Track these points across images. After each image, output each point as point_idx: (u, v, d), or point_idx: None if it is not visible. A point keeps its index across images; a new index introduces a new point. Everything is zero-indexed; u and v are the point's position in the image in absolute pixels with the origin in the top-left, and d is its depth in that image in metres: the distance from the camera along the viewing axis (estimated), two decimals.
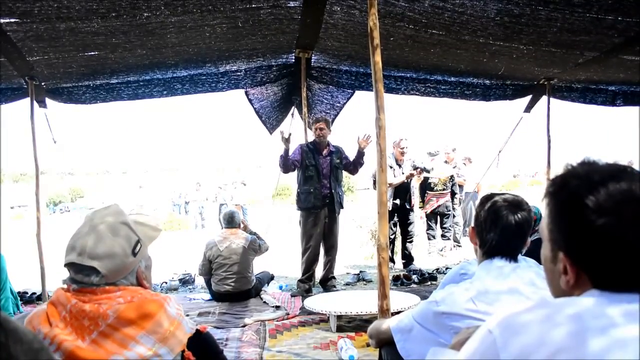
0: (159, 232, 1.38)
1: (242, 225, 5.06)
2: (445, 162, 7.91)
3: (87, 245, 1.21)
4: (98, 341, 1.16)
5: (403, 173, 6.08)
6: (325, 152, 4.99)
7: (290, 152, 4.90)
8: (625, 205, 0.73)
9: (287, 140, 4.78)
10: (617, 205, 0.74)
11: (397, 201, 6.04)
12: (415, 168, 6.20)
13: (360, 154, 4.97)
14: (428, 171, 6.69)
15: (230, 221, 5.00)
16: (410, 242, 6.27)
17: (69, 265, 1.23)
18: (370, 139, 4.83)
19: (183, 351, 1.22)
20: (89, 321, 1.17)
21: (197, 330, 1.29)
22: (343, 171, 5.16)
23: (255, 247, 4.85)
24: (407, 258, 6.21)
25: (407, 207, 6.18)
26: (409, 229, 6.23)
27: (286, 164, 4.84)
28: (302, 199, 4.95)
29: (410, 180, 6.14)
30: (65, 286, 1.25)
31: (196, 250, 5.81)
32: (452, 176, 7.37)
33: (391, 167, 6.00)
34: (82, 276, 1.22)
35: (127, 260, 1.24)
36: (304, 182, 4.93)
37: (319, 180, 4.90)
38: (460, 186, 8.34)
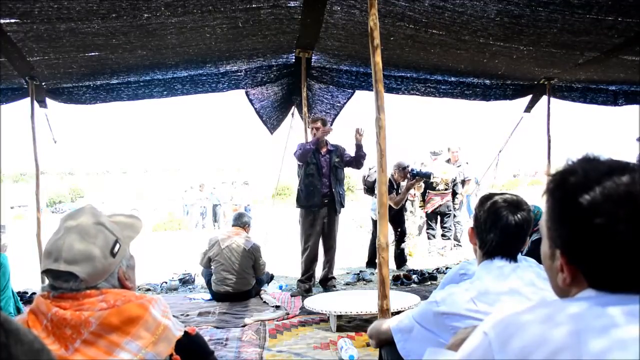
0: (139, 230, 1.32)
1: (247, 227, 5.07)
2: (448, 160, 7.88)
3: (62, 250, 1.16)
4: (82, 350, 1.12)
5: (399, 192, 6.00)
6: (324, 150, 4.98)
7: (295, 149, 4.96)
8: (621, 205, 0.72)
9: (324, 133, 4.84)
10: (613, 205, 0.72)
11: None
12: (414, 176, 5.92)
13: (359, 147, 4.94)
14: (428, 176, 6.53)
15: (237, 220, 5.05)
16: (403, 241, 6.27)
17: (47, 272, 1.18)
18: (363, 130, 4.85)
19: (171, 355, 1.18)
20: (71, 329, 1.13)
21: (186, 332, 1.24)
22: (344, 170, 5.14)
23: (254, 256, 4.79)
24: (399, 259, 6.20)
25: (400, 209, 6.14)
26: (399, 228, 6.20)
27: (307, 154, 4.86)
28: (303, 196, 4.94)
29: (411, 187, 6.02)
30: (44, 293, 1.19)
31: (196, 250, 5.81)
32: (454, 177, 7.35)
33: (391, 190, 5.82)
34: (60, 282, 1.17)
35: (106, 262, 1.19)
36: (305, 180, 4.93)
37: (319, 178, 4.90)
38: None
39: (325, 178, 4.93)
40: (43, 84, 4.97)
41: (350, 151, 5.04)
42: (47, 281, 1.22)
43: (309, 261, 4.98)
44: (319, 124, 4.93)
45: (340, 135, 7.55)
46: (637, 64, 4.82)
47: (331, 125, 6.13)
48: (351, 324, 3.86)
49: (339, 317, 3.79)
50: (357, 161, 5.03)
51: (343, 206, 5.07)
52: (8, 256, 3.96)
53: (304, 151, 4.86)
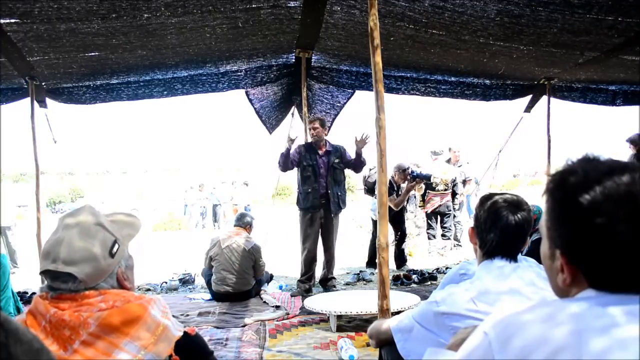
0: (138, 229, 1.32)
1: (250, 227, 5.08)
2: (449, 160, 7.87)
3: (61, 251, 1.15)
4: (80, 351, 1.12)
5: (399, 194, 6.02)
6: (322, 151, 4.95)
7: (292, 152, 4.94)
8: (621, 205, 0.71)
9: (291, 141, 4.86)
10: (613, 205, 0.72)
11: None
12: (414, 178, 5.92)
13: (358, 156, 4.92)
14: (428, 178, 6.53)
15: (239, 220, 5.08)
16: (403, 242, 6.26)
17: (45, 272, 1.17)
18: (368, 139, 4.79)
19: (170, 355, 1.18)
20: (69, 331, 1.12)
21: (185, 332, 1.24)
22: (345, 170, 5.12)
23: (254, 256, 4.79)
24: (399, 259, 6.20)
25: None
26: (400, 228, 6.18)
27: (286, 162, 4.89)
28: (302, 199, 4.95)
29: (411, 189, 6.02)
30: (42, 293, 1.19)
31: (196, 250, 5.81)
32: (454, 178, 7.33)
33: (392, 192, 5.83)
34: (59, 283, 1.16)
35: (104, 262, 1.19)
36: (302, 183, 4.92)
37: (316, 180, 4.88)
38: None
39: (322, 179, 4.90)
40: (43, 84, 4.97)
41: (352, 152, 5.03)
42: (45, 282, 1.21)
43: (308, 261, 4.98)
44: (316, 124, 4.90)
45: (340, 135, 7.56)
46: (637, 64, 4.82)
47: (331, 124, 6.14)
48: (351, 324, 3.86)
49: (339, 317, 3.79)
50: (355, 166, 5.06)
51: (341, 208, 5.03)
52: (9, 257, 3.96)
53: (283, 159, 4.87)
